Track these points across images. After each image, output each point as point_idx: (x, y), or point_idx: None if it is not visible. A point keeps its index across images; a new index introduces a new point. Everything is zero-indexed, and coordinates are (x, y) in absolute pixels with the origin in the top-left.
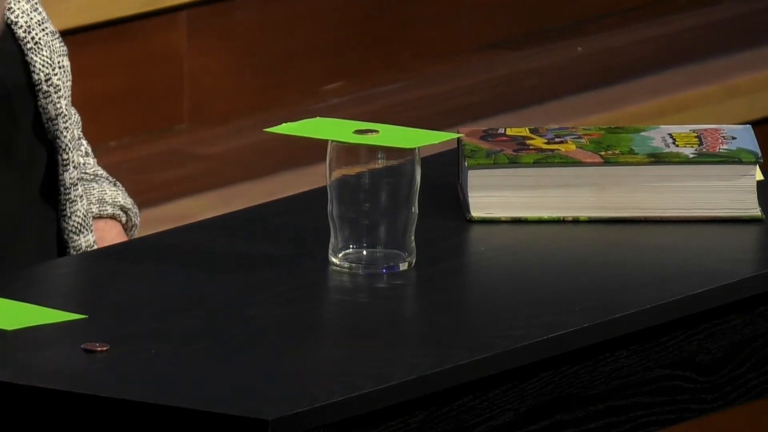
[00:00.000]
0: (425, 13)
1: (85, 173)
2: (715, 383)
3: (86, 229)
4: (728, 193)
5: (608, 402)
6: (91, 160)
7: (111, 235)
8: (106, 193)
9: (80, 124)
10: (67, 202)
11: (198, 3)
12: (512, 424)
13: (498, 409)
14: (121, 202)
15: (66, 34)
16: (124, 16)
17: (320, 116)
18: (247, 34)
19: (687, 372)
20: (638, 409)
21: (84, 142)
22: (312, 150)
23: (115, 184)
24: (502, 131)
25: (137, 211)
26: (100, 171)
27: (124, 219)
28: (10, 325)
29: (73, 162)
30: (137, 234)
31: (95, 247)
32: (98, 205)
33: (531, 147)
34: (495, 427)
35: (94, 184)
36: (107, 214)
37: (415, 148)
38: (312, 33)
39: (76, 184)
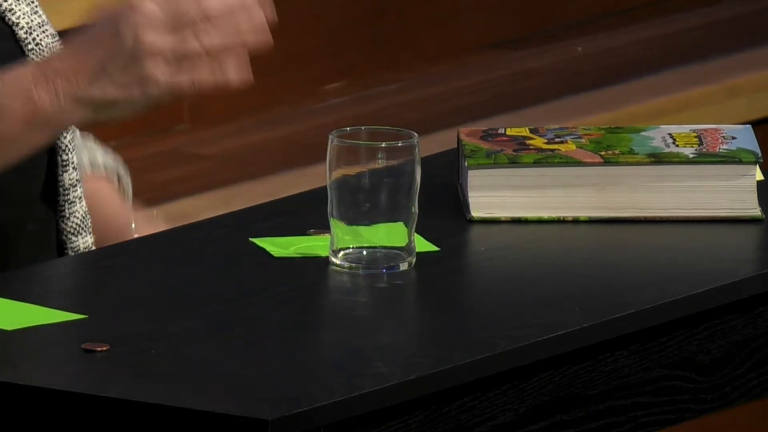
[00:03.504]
0: (425, 13)
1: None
2: (715, 383)
3: (84, 231)
4: (728, 193)
5: (608, 402)
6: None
7: (107, 191)
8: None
9: None
10: (66, 203)
11: None
12: (512, 424)
13: (498, 409)
14: (111, 160)
15: (66, 34)
16: None
17: (320, 116)
18: None
19: (687, 372)
20: (638, 409)
21: None
22: (312, 150)
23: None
24: (502, 131)
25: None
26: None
27: (116, 180)
28: (10, 325)
29: (72, 163)
30: (130, 192)
31: (93, 248)
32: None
33: (531, 147)
34: (495, 427)
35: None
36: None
37: (415, 148)
38: (312, 33)
39: (75, 186)
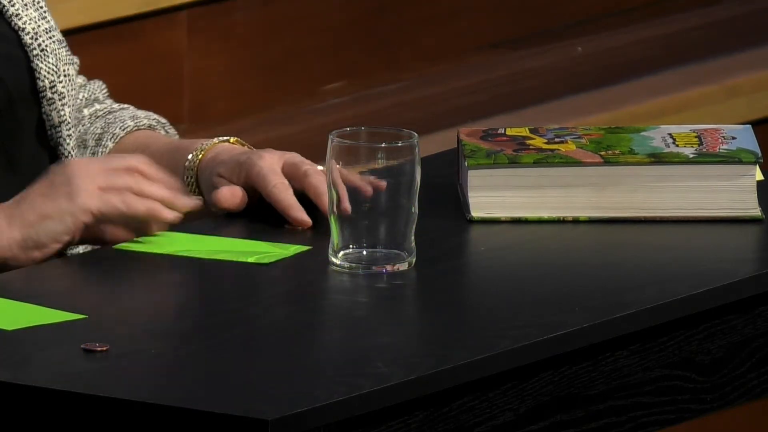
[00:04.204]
0: (425, 14)
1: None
2: (715, 383)
3: None
4: (728, 193)
5: (608, 402)
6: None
7: (155, 135)
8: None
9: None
10: None
11: (198, 3)
12: (512, 424)
13: (498, 409)
14: (154, 116)
15: (66, 34)
16: (124, 16)
17: (320, 116)
18: (247, 34)
19: (687, 372)
20: (638, 409)
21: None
22: (312, 150)
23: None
24: (502, 131)
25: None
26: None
27: (161, 131)
28: (10, 325)
29: None
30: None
31: (90, 250)
32: (134, 121)
33: (531, 147)
34: (495, 427)
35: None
36: (144, 126)
37: (415, 148)
38: (312, 33)
39: None
